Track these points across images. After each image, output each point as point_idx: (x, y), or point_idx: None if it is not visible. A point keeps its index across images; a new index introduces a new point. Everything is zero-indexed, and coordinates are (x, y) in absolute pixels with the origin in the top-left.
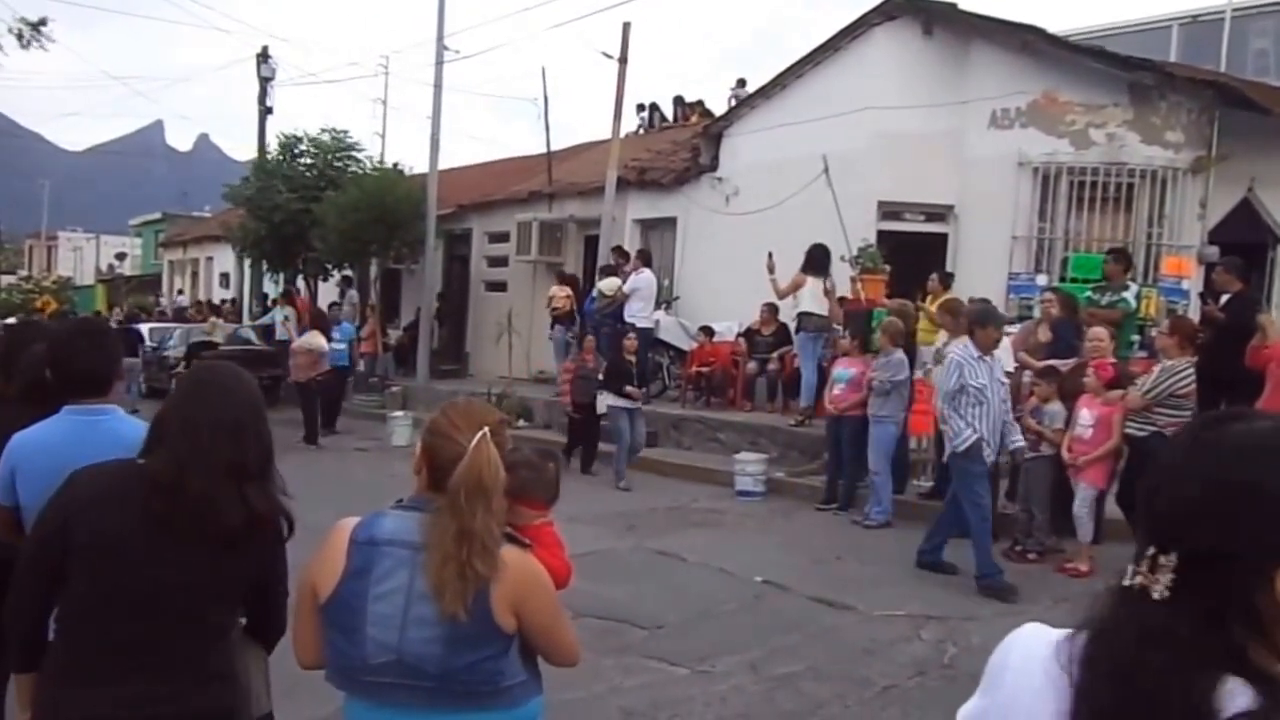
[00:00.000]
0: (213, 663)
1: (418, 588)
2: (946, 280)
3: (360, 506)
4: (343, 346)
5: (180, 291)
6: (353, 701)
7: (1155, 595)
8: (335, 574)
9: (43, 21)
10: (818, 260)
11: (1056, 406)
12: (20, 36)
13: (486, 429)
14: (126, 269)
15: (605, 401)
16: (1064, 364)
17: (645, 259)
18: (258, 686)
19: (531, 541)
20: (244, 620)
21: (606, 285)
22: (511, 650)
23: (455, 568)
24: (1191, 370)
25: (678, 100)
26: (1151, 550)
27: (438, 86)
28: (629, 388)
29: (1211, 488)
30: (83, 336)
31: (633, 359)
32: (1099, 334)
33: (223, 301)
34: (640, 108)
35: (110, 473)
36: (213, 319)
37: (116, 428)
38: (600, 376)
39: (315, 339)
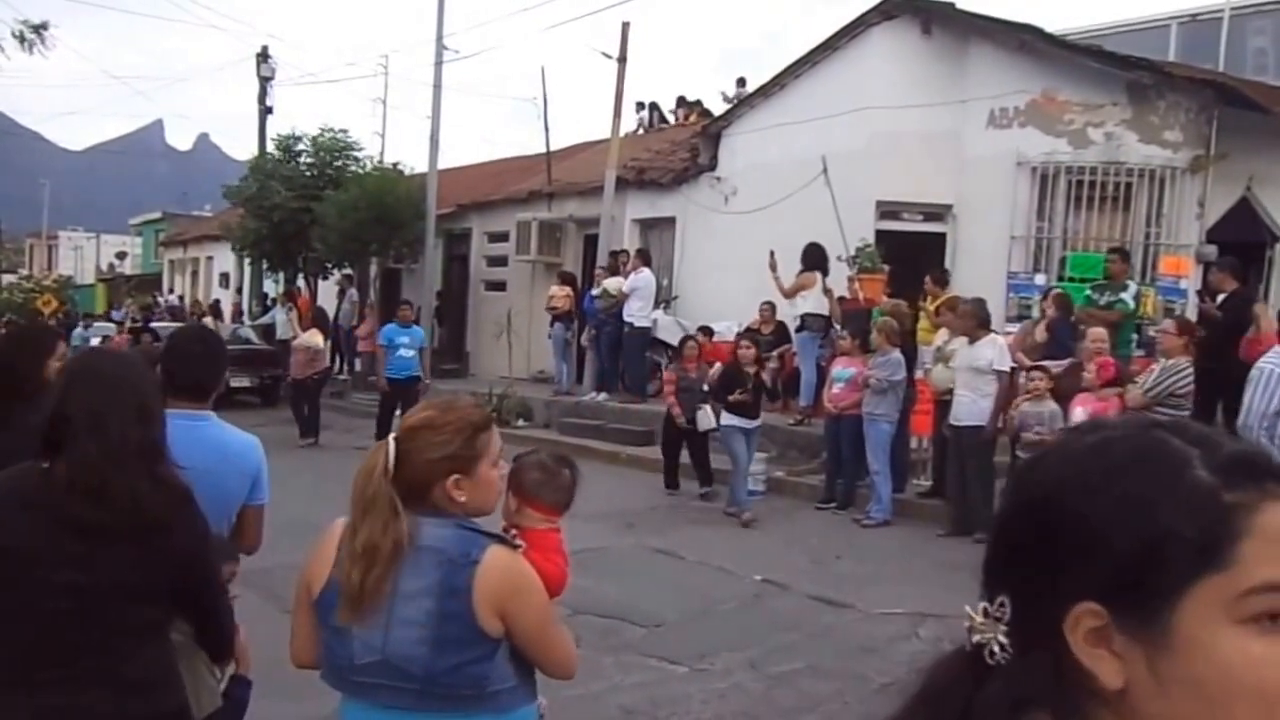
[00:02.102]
0: (139, 670)
1: (403, 587)
2: (942, 279)
3: None
4: (412, 354)
5: (171, 290)
6: (345, 702)
7: (991, 657)
8: (326, 572)
9: (44, 25)
10: (818, 259)
11: (1052, 407)
12: (22, 39)
13: (392, 435)
14: (127, 268)
15: (708, 418)
16: (1057, 365)
17: (644, 258)
18: (200, 691)
19: (526, 544)
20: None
21: (612, 284)
22: (499, 655)
23: (352, 579)
24: (1191, 369)
25: (680, 100)
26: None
27: (437, 86)
28: (735, 396)
29: (1016, 513)
30: (199, 344)
31: (752, 369)
32: (1099, 334)
33: (216, 301)
34: (640, 105)
35: (11, 477)
36: (208, 318)
37: (218, 434)
38: (706, 387)
39: (313, 337)
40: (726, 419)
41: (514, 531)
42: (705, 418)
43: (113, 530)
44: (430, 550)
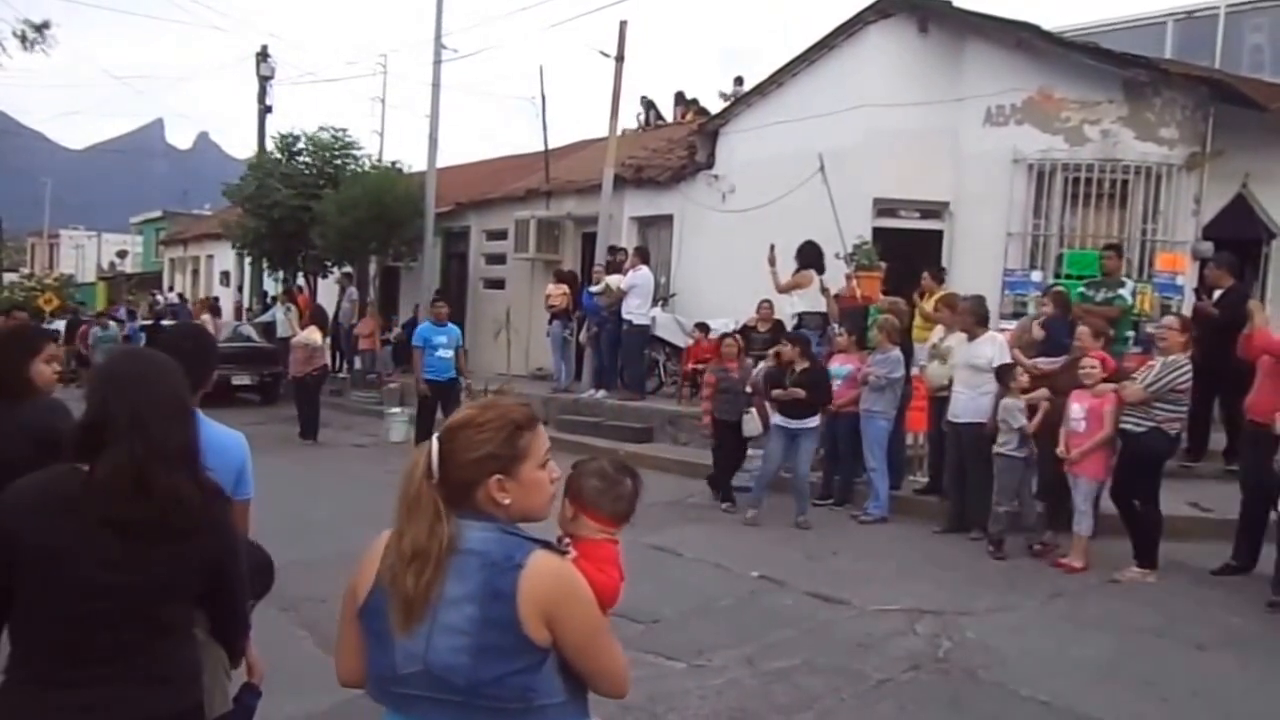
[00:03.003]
0: (170, 667)
1: (447, 593)
2: (939, 276)
3: (358, 502)
4: (450, 354)
5: (171, 288)
6: (387, 717)
7: None
8: (370, 579)
9: (45, 24)
10: (814, 258)
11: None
12: (24, 38)
13: (435, 436)
14: (128, 266)
15: (754, 423)
16: (1049, 361)
17: (643, 256)
18: (214, 690)
19: (577, 553)
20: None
21: (612, 281)
22: (546, 666)
23: (404, 583)
24: (1189, 365)
25: (678, 97)
26: None
27: (436, 85)
28: (780, 391)
29: None
30: (188, 341)
31: (800, 365)
32: (1083, 333)
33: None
34: (643, 100)
35: (51, 479)
36: (204, 315)
37: (204, 431)
38: (749, 389)
39: (312, 335)
40: (775, 419)
41: (567, 540)
42: (751, 422)
43: (154, 530)
44: (473, 554)
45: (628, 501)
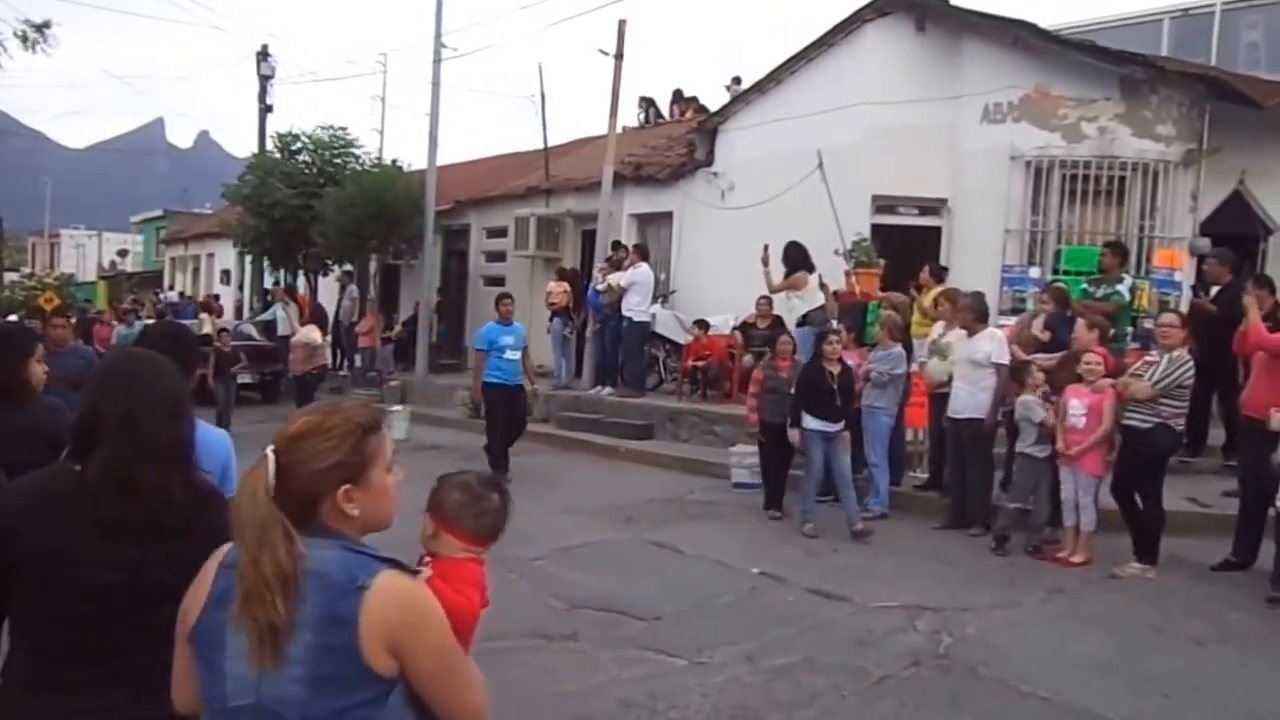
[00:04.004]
0: (160, 669)
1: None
2: (938, 273)
3: None
4: (517, 356)
5: (172, 287)
6: None
7: None
8: (201, 602)
9: (46, 24)
10: (800, 258)
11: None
12: (25, 39)
13: (270, 448)
14: (128, 266)
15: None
16: (1047, 357)
17: (642, 254)
18: None
19: (433, 572)
20: None
21: (613, 278)
22: (392, 700)
23: (273, 611)
24: (1192, 361)
25: (676, 95)
26: None
27: (436, 84)
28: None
29: None
30: (168, 340)
31: (835, 370)
32: (1079, 327)
33: (215, 296)
34: (640, 102)
35: (46, 478)
36: (202, 315)
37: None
38: (791, 390)
39: (311, 333)
40: (808, 422)
41: (427, 559)
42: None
43: (146, 530)
44: (311, 575)
45: (492, 518)
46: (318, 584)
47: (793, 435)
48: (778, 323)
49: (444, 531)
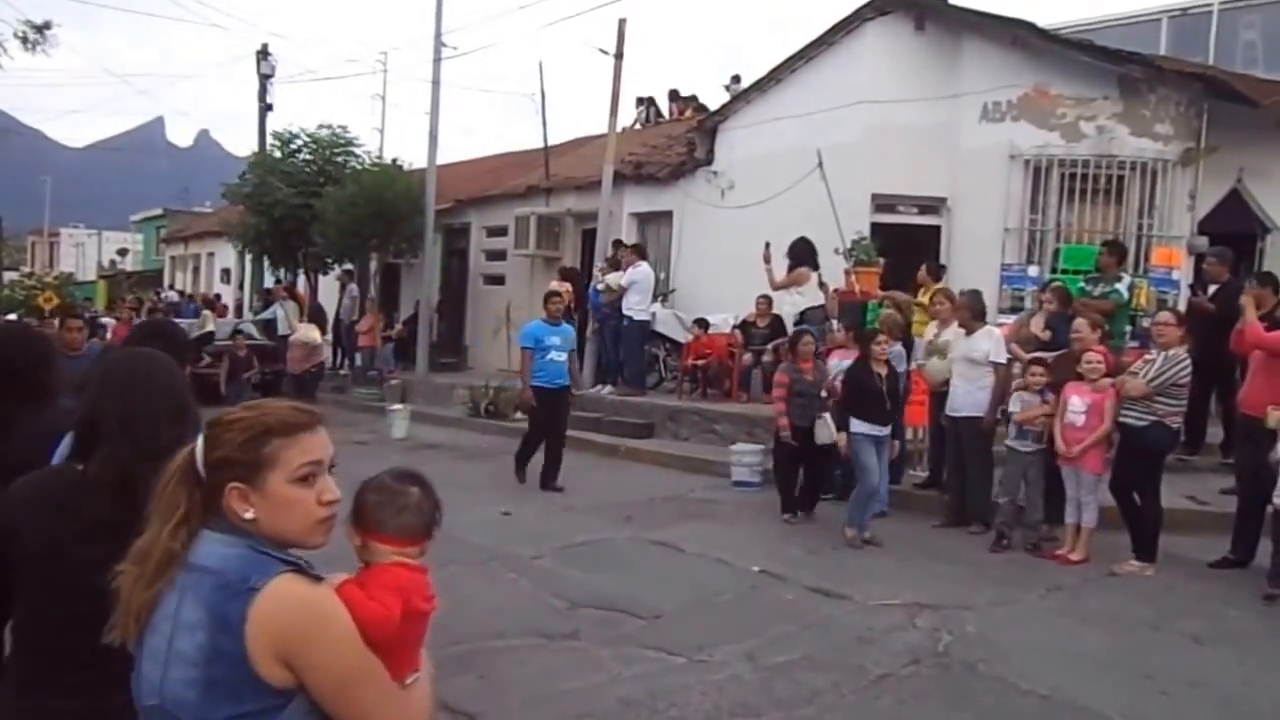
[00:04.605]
0: None
1: (184, 616)
2: (936, 272)
3: None
4: (564, 357)
5: (172, 286)
6: None
7: None
8: None
9: (47, 25)
10: (806, 254)
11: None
12: (25, 40)
13: (206, 425)
14: (128, 265)
15: (828, 429)
16: (1048, 356)
17: (640, 253)
18: None
19: (358, 579)
20: None
21: (612, 278)
22: (289, 712)
23: (124, 587)
24: (1189, 360)
25: (673, 94)
26: None
27: (436, 83)
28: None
29: None
30: (158, 338)
31: (884, 371)
32: (1079, 326)
33: (216, 295)
34: (640, 101)
35: (48, 478)
36: (205, 312)
37: None
38: (824, 393)
39: (310, 332)
40: (856, 426)
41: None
42: (825, 429)
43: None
44: (209, 572)
45: (414, 513)
46: (213, 582)
47: (840, 441)
48: (777, 321)
49: (369, 539)
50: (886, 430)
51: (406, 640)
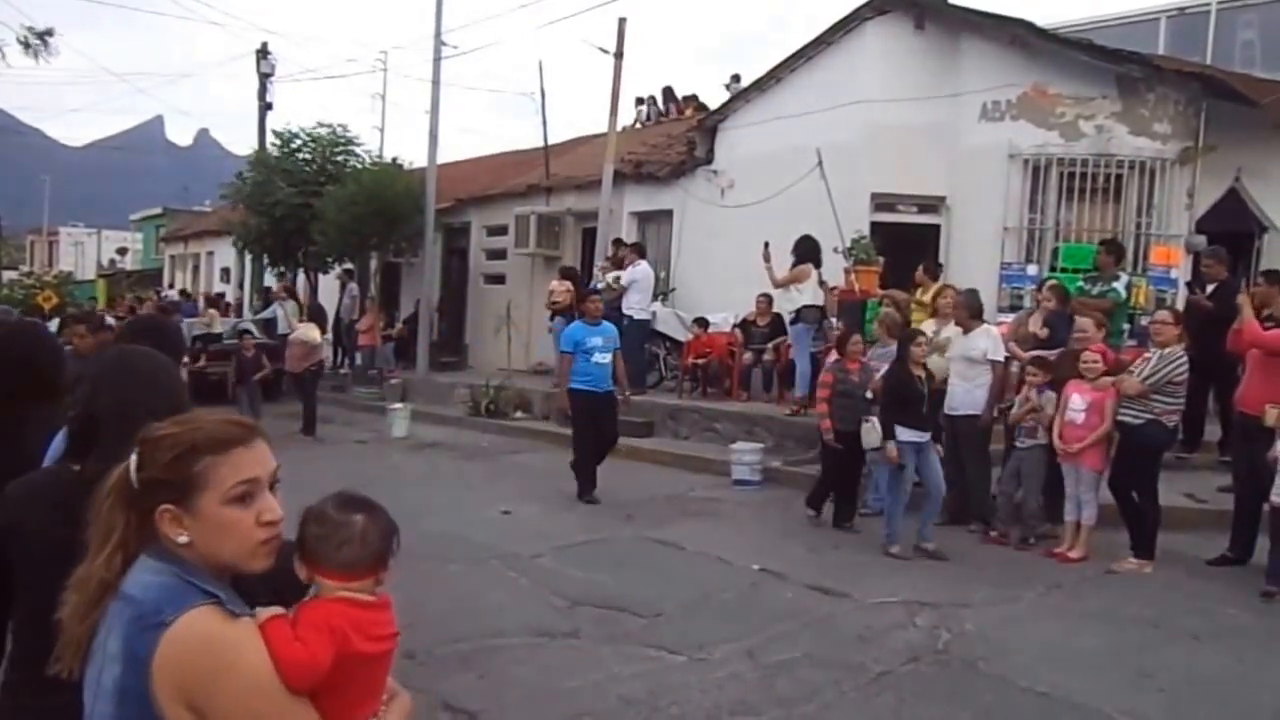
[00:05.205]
0: None
1: (109, 648)
2: (934, 271)
3: None
4: (607, 359)
5: (172, 285)
6: None
7: None
8: None
9: (49, 31)
10: (811, 251)
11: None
12: (27, 45)
13: (135, 451)
14: (128, 264)
15: (874, 432)
16: (1049, 354)
17: (639, 252)
18: None
19: (286, 613)
20: None
21: (612, 277)
22: None
23: (66, 614)
24: (1186, 358)
25: (667, 92)
26: None
27: (436, 82)
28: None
29: None
30: (150, 336)
31: (922, 374)
32: (1084, 325)
33: (219, 295)
34: (639, 101)
35: (46, 478)
36: (210, 311)
37: None
38: (869, 394)
39: (310, 331)
40: (902, 434)
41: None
42: (871, 432)
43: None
44: (130, 601)
45: (359, 545)
46: (131, 612)
47: (890, 451)
48: (777, 320)
49: (313, 573)
50: (928, 435)
51: (354, 683)
